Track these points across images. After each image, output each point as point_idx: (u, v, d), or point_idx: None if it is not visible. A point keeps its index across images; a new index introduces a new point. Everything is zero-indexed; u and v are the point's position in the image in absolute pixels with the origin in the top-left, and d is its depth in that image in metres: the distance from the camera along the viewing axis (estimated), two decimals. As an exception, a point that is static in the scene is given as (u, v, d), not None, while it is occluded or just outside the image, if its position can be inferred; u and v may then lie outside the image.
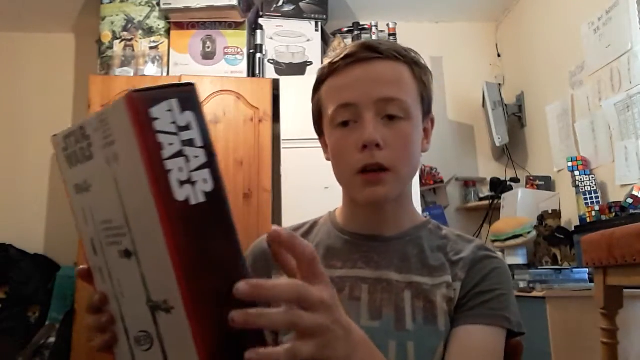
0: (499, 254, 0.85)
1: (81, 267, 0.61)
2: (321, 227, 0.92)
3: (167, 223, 0.47)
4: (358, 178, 0.80)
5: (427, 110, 0.87)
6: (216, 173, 0.50)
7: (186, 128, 0.49)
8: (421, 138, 0.85)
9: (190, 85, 0.50)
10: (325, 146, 0.89)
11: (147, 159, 0.47)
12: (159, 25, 3.07)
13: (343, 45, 0.89)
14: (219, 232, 0.51)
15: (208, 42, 3.07)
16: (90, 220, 0.58)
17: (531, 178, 2.96)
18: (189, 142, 0.49)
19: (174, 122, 0.48)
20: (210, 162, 0.50)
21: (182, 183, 0.48)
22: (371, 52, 0.81)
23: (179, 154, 0.48)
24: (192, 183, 0.48)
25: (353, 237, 0.87)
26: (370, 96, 0.79)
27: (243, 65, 3.05)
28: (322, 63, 0.89)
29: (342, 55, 0.82)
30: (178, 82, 0.51)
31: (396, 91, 0.80)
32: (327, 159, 0.89)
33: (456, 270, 0.82)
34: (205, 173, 0.49)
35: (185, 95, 0.50)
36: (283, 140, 2.83)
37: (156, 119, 0.47)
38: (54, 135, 0.58)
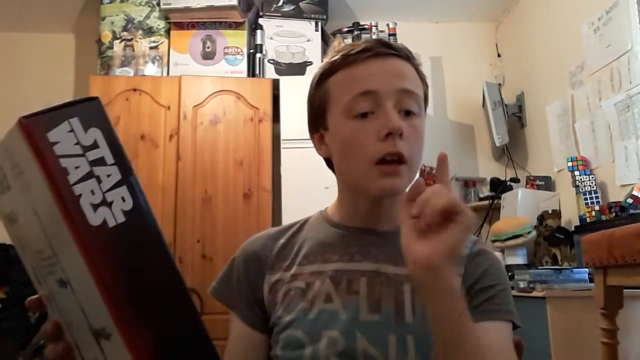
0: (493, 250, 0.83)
1: (30, 298, 0.60)
2: (312, 225, 0.91)
3: (85, 252, 0.44)
4: (375, 169, 0.78)
5: (426, 107, 0.89)
6: (135, 188, 0.48)
7: (93, 147, 0.46)
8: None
9: (93, 99, 0.48)
10: (319, 142, 0.89)
11: (53, 187, 0.44)
12: (159, 25, 3.07)
13: (343, 45, 0.88)
14: (147, 248, 0.49)
15: (208, 42, 3.08)
16: (27, 250, 0.56)
17: (531, 178, 2.96)
18: (99, 161, 0.46)
19: (77, 143, 0.45)
20: (126, 178, 0.47)
21: (96, 206, 0.45)
22: (387, 48, 0.82)
23: (89, 175, 0.45)
24: (109, 204, 0.46)
25: (349, 230, 0.86)
26: (392, 86, 0.79)
27: (243, 65, 3.05)
28: (322, 62, 0.87)
29: (358, 49, 0.82)
30: (79, 98, 0.47)
31: (413, 86, 0.82)
32: (324, 155, 0.89)
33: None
34: (122, 190, 0.47)
35: (87, 111, 0.47)
36: (283, 140, 2.83)
37: (56, 142, 0.44)
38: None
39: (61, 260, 0.48)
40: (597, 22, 2.47)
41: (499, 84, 3.44)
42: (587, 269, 2.05)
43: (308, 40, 3.14)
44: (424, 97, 0.86)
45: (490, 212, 3.14)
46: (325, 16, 3.18)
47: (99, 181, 0.46)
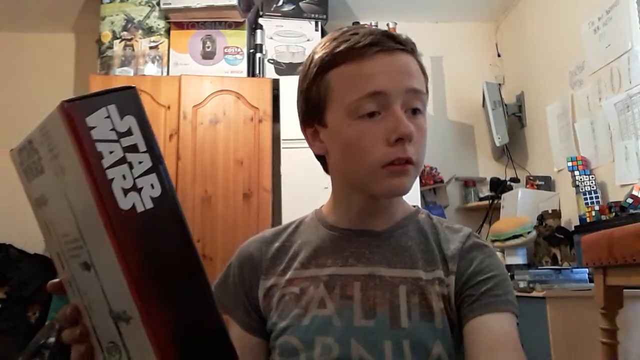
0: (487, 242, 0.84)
1: (51, 281, 0.60)
2: (307, 227, 0.89)
3: (114, 234, 0.46)
4: (383, 171, 0.76)
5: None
6: (163, 176, 0.49)
7: (127, 133, 0.48)
8: None
9: (130, 88, 0.49)
10: (313, 138, 0.84)
11: (88, 169, 0.45)
12: (158, 25, 3.07)
13: (342, 32, 0.83)
14: (171, 236, 0.50)
15: (208, 42, 3.07)
16: (53, 234, 0.57)
17: (531, 178, 2.96)
18: (132, 148, 0.47)
19: (113, 129, 0.47)
20: (156, 166, 0.48)
21: (126, 191, 0.46)
22: (394, 43, 0.78)
23: (121, 161, 0.47)
24: (138, 190, 0.47)
25: (343, 233, 0.84)
26: (401, 86, 0.76)
27: (243, 65, 3.05)
28: (319, 48, 0.83)
29: (365, 42, 0.76)
30: (117, 87, 0.49)
31: (420, 84, 0.79)
32: (317, 152, 0.85)
33: (447, 262, 0.80)
34: (152, 178, 0.48)
35: (124, 99, 0.49)
36: (283, 140, 2.83)
37: (93, 127, 0.46)
38: (11, 150, 0.57)
39: (88, 243, 0.50)
40: (597, 22, 2.47)
41: (499, 84, 3.44)
42: (587, 269, 2.05)
43: (308, 40, 3.14)
44: (426, 90, 0.83)
45: (490, 212, 3.14)
46: (325, 16, 3.18)
47: (131, 167, 0.47)
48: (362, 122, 0.76)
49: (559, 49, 2.85)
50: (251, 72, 3.06)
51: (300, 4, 3.17)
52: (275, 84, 2.99)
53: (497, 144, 3.20)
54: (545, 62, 3.02)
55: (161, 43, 3.06)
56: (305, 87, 0.82)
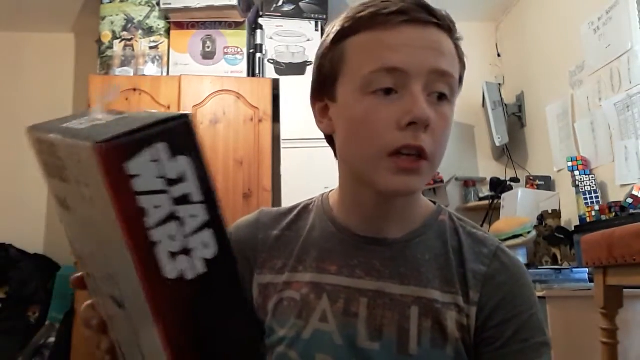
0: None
1: (75, 275, 0.57)
2: (312, 218, 0.78)
3: (157, 312, 0.37)
4: (388, 161, 0.64)
5: (459, 90, 0.74)
6: (221, 232, 0.39)
7: (179, 181, 0.37)
8: None
9: (184, 117, 0.38)
10: (321, 114, 0.74)
11: (126, 231, 0.36)
12: (158, 25, 3.07)
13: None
14: (224, 301, 0.41)
15: (208, 42, 3.07)
16: (75, 235, 0.49)
17: (531, 178, 2.96)
18: (183, 199, 0.37)
19: (162, 177, 0.36)
20: (213, 220, 0.39)
21: (174, 255, 0.37)
22: (428, 15, 0.66)
23: (170, 217, 0.37)
24: (188, 252, 0.38)
25: (352, 237, 0.73)
26: (425, 65, 0.65)
27: (243, 65, 3.05)
28: (340, 18, 0.72)
29: (392, 9, 0.65)
30: (167, 116, 0.37)
31: (451, 65, 0.68)
32: (324, 131, 0.74)
33: (468, 288, 0.70)
34: (206, 235, 0.39)
35: (176, 134, 0.37)
36: (283, 140, 2.83)
37: (135, 175, 0.36)
38: (29, 128, 0.47)
39: (122, 289, 0.42)
40: (597, 22, 2.47)
41: (499, 84, 3.44)
42: (587, 269, 2.05)
43: (308, 40, 3.14)
44: (460, 79, 0.72)
45: (490, 212, 3.14)
46: (325, 16, 3.18)
47: (182, 224, 0.38)
48: (374, 98, 0.65)
49: (559, 49, 2.85)
50: (251, 72, 3.06)
51: (300, 4, 3.17)
52: (275, 84, 2.99)
53: (497, 144, 3.20)
54: (545, 62, 3.02)
55: (161, 43, 3.06)
56: (320, 55, 0.73)
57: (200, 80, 2.95)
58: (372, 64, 0.65)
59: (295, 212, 0.80)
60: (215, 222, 0.39)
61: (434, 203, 0.79)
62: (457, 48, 0.71)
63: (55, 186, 0.46)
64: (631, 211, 2.09)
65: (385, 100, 0.65)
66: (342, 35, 0.69)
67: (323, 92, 0.72)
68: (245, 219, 0.81)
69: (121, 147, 0.35)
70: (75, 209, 0.44)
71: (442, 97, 0.67)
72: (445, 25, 0.68)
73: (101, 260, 0.44)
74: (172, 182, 0.37)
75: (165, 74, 3.02)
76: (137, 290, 0.38)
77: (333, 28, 0.72)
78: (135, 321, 0.42)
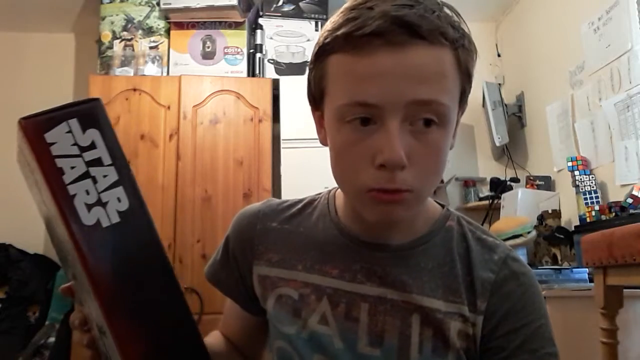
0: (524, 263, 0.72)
1: (64, 285, 0.61)
2: (317, 216, 0.77)
3: (79, 249, 0.45)
4: (368, 196, 0.62)
5: (464, 105, 0.68)
6: (131, 189, 0.48)
7: (90, 147, 0.47)
8: (451, 140, 0.67)
9: (94, 100, 0.48)
10: (319, 124, 0.71)
11: (50, 185, 0.45)
12: (158, 25, 3.07)
13: (354, 3, 0.62)
14: (141, 250, 0.49)
15: (208, 42, 3.07)
16: (55, 239, 0.57)
17: (531, 178, 2.96)
18: (95, 162, 0.47)
19: (75, 144, 0.46)
20: (123, 179, 0.48)
21: (90, 206, 0.46)
22: (409, 35, 0.58)
23: (84, 175, 0.46)
24: (103, 204, 0.47)
25: (354, 243, 0.72)
26: (401, 97, 0.59)
27: (243, 65, 3.05)
28: (331, 20, 0.63)
29: (365, 31, 0.58)
30: (80, 100, 0.48)
31: (436, 91, 0.60)
32: (322, 142, 0.72)
33: (475, 296, 0.68)
34: (118, 191, 0.47)
35: (86, 112, 0.48)
36: (283, 140, 2.83)
37: (53, 143, 0.46)
38: (21, 119, 0.52)
39: (69, 255, 0.50)
40: (597, 22, 2.47)
41: (499, 84, 3.44)
42: (587, 269, 2.05)
43: (308, 40, 3.14)
44: (463, 90, 0.65)
45: (490, 212, 3.14)
46: (325, 16, 3.18)
47: (95, 181, 0.47)
48: (351, 128, 0.61)
49: (558, 48, 2.85)
50: (251, 72, 3.06)
51: (300, 4, 3.17)
52: (275, 84, 2.99)
53: (497, 144, 3.20)
54: (545, 62, 3.02)
55: (161, 43, 3.06)
56: (309, 67, 0.70)
57: (200, 80, 2.95)
58: (345, 97, 0.61)
59: (299, 206, 0.80)
60: (125, 181, 0.48)
61: (443, 206, 0.78)
62: (458, 58, 0.63)
63: (35, 195, 0.55)
64: (631, 211, 2.09)
65: (361, 132, 0.61)
66: (323, 50, 0.64)
67: (316, 103, 0.70)
68: (250, 207, 0.81)
69: (40, 121, 0.46)
70: (44, 209, 0.52)
71: (430, 122, 0.61)
72: (435, 40, 0.60)
73: (64, 246, 0.50)
74: (84, 149, 0.47)
75: (165, 74, 3.02)
76: (70, 247, 0.45)
77: (319, 39, 0.66)
78: (85, 291, 0.49)
